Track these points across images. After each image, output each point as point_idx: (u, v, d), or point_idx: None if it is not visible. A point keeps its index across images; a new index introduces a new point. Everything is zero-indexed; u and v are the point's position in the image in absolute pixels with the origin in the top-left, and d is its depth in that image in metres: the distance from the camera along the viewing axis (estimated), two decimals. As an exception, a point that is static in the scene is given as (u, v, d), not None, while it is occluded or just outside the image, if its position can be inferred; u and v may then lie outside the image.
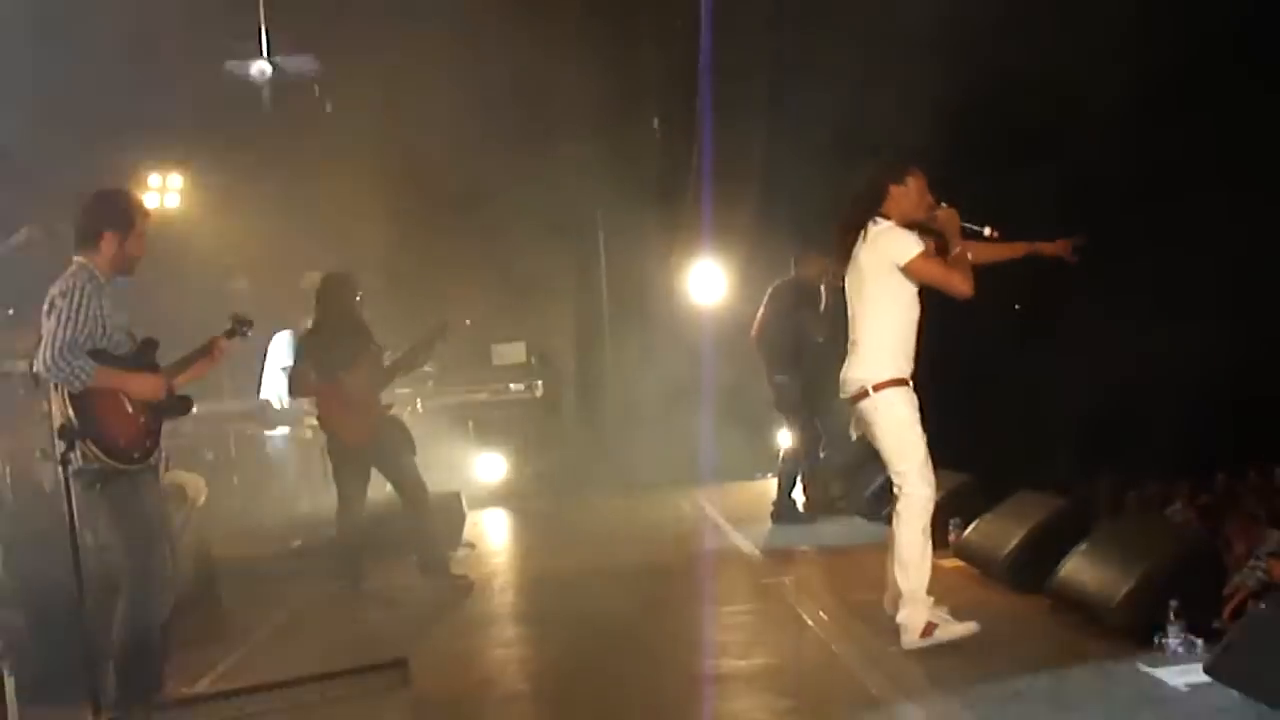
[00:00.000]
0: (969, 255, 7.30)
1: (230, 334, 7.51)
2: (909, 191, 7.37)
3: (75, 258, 6.79)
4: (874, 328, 7.33)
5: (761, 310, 12.16)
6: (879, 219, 7.31)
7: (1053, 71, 10.76)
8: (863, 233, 7.32)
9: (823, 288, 11.84)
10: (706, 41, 14.78)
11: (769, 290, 12.20)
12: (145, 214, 7.06)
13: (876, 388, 7.25)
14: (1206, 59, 10.48)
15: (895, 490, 7.29)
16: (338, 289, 10.16)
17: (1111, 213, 10.49)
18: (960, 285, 7.22)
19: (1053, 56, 10.94)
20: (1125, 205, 10.36)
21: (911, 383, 7.32)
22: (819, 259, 11.76)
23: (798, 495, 12.26)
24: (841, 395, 7.52)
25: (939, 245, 7.33)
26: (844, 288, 7.57)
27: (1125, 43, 10.63)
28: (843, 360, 7.56)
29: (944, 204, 7.39)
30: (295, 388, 10.22)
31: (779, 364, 12.04)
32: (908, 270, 7.20)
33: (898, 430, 7.28)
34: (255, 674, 7.49)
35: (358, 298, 10.22)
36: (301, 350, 10.18)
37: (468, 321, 10.22)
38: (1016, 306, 7.45)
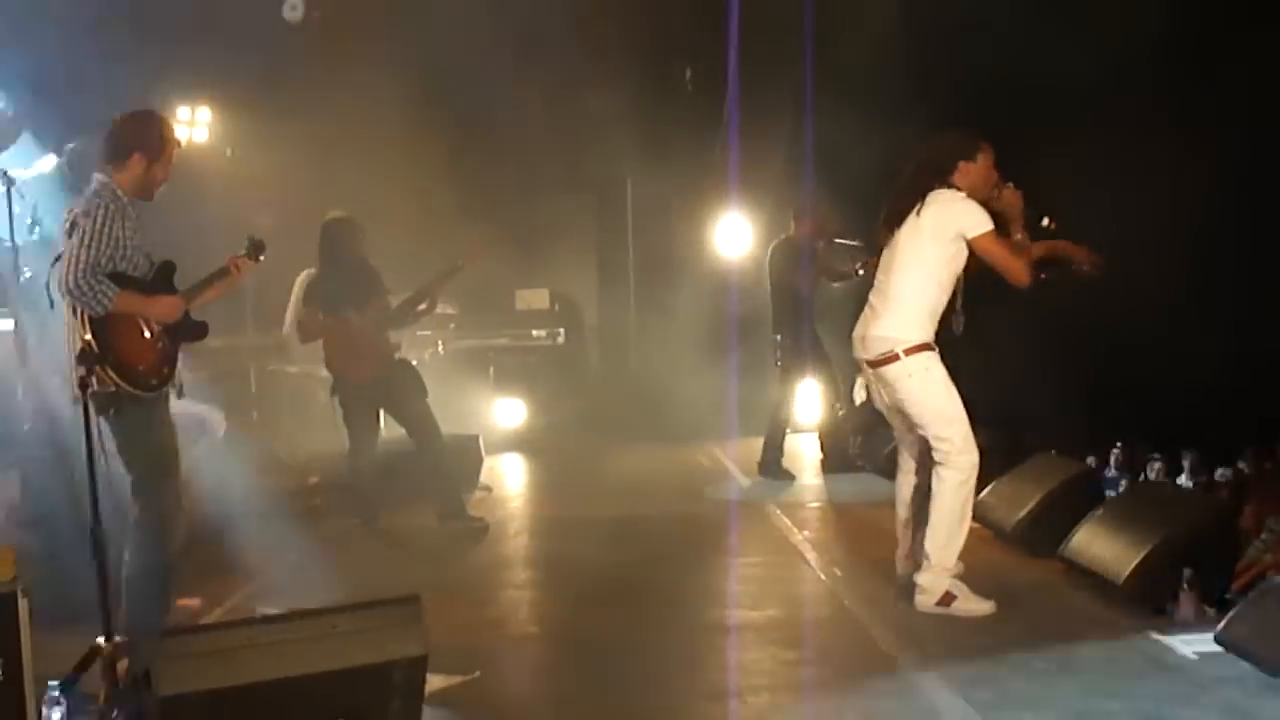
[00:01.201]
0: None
1: (245, 257, 7.44)
2: (979, 168, 7.28)
3: (98, 175, 6.76)
4: (913, 289, 7.22)
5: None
6: (949, 188, 7.24)
7: (1082, 35, 10.64)
8: (924, 197, 7.23)
9: (819, 246, 11.92)
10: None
11: (769, 250, 12.26)
12: (176, 143, 7.03)
13: (908, 352, 7.17)
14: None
15: (937, 456, 7.19)
16: (340, 232, 10.14)
17: (1144, 167, 10.34)
18: (1021, 273, 7.14)
19: (1079, 24, 10.82)
20: (1158, 158, 10.18)
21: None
22: (815, 219, 11.86)
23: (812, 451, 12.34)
24: (861, 354, 7.45)
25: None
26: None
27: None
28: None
29: (1010, 185, 7.32)
30: (303, 332, 10.25)
31: (775, 323, 12.13)
32: (974, 244, 7.10)
33: (938, 395, 7.20)
34: (268, 607, 7.53)
35: (362, 239, 10.21)
36: (308, 294, 10.20)
37: (465, 263, 10.21)
38: (1042, 275, 7.38)
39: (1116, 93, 10.67)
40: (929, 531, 7.17)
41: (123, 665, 5.60)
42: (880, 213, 7.52)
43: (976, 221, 7.10)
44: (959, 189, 7.20)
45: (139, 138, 6.81)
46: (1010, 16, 10.96)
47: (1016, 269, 7.13)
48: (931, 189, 7.20)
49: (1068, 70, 10.44)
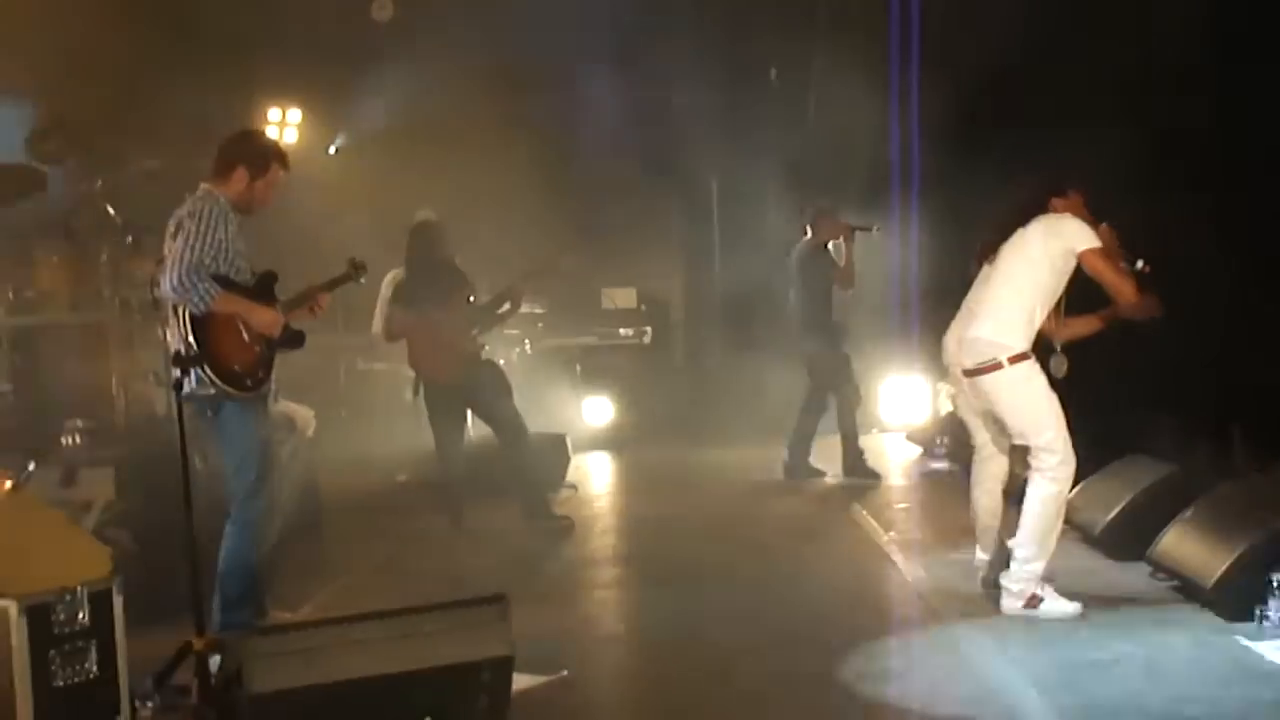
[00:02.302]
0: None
1: (342, 280, 7.64)
2: (1071, 203, 7.28)
3: (204, 184, 6.95)
4: (1016, 294, 7.19)
5: None
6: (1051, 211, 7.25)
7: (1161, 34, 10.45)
8: (1029, 221, 7.24)
9: (839, 247, 11.96)
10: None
11: (794, 254, 12.24)
12: (283, 165, 7.21)
13: (1013, 360, 7.08)
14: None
15: (1036, 465, 7.09)
16: (427, 234, 10.30)
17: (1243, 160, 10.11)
18: (1130, 292, 7.10)
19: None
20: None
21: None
22: (834, 222, 11.90)
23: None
24: (956, 359, 7.43)
25: None
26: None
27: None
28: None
29: (1105, 224, 7.27)
30: (389, 329, 10.38)
31: (805, 326, 12.18)
32: (1084, 259, 7.07)
33: (1040, 404, 7.12)
34: (355, 604, 7.59)
35: (449, 242, 10.35)
36: (394, 293, 10.33)
37: (548, 268, 10.37)
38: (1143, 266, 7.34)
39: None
40: (1020, 537, 7.10)
41: (215, 662, 5.68)
42: (977, 244, 7.52)
43: (1087, 237, 7.08)
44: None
45: (244, 152, 7.06)
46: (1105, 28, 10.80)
47: (1126, 288, 7.09)
48: (1021, 226, 7.22)
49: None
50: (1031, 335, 7.16)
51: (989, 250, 7.36)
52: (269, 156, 7.13)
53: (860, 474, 12.00)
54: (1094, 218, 7.26)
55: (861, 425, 14.04)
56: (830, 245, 12.03)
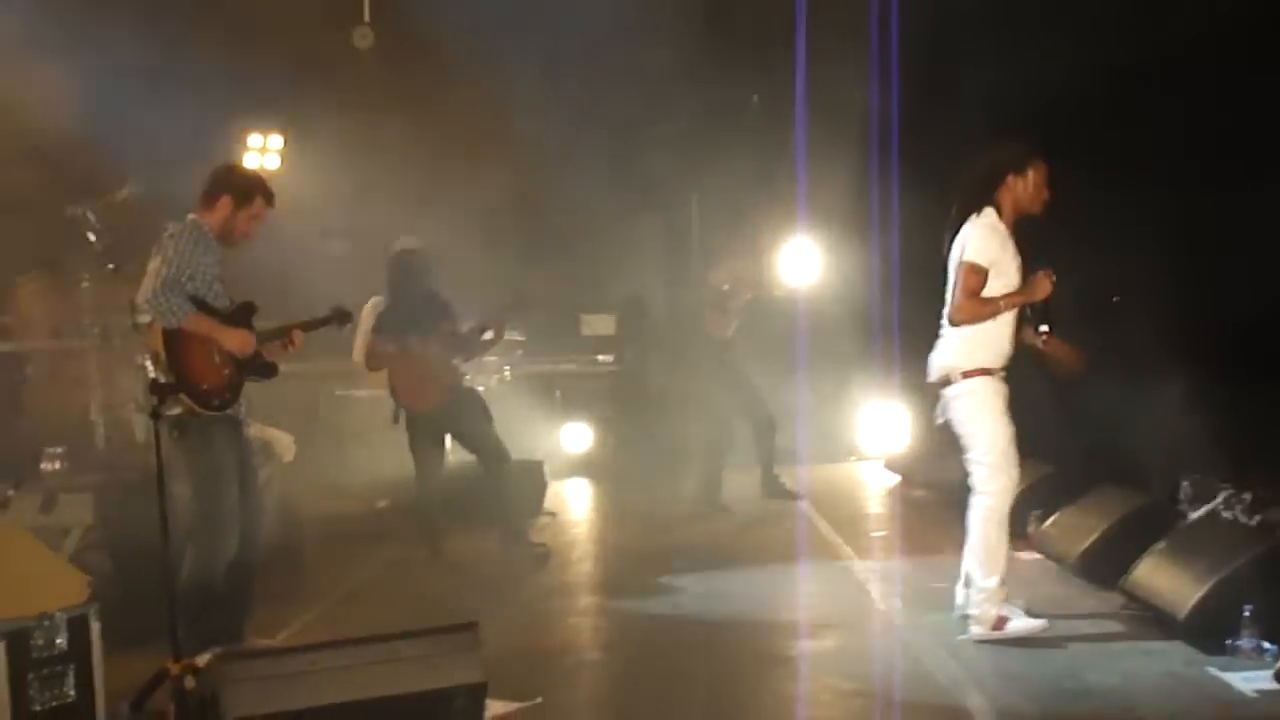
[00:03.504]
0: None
1: (322, 323, 7.72)
2: (1027, 182, 7.31)
3: (190, 215, 7.05)
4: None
5: None
6: (987, 209, 7.29)
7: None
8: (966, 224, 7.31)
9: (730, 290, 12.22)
10: (804, 16, 14.74)
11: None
12: (268, 199, 7.34)
13: (966, 374, 7.23)
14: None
15: (971, 480, 7.28)
16: (409, 263, 10.27)
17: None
18: (961, 313, 7.20)
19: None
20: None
21: (1003, 373, 7.29)
22: (728, 265, 12.29)
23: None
24: (928, 379, 7.53)
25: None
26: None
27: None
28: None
29: (1053, 275, 7.29)
30: (370, 359, 10.31)
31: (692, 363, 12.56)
32: (961, 263, 7.18)
33: (979, 418, 7.24)
34: (332, 630, 7.63)
35: (431, 270, 10.34)
36: (376, 323, 10.30)
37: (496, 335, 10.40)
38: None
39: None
40: (968, 557, 7.29)
41: (191, 686, 5.70)
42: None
43: (974, 249, 7.18)
44: (1003, 204, 7.28)
45: (230, 183, 7.24)
46: (1083, 47, 10.86)
47: (963, 307, 7.20)
48: (975, 209, 7.28)
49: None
50: (983, 349, 7.25)
51: (949, 238, 7.44)
52: (254, 189, 7.27)
53: (714, 505, 12.21)
54: (1050, 273, 7.24)
55: (839, 452, 14.21)
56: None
